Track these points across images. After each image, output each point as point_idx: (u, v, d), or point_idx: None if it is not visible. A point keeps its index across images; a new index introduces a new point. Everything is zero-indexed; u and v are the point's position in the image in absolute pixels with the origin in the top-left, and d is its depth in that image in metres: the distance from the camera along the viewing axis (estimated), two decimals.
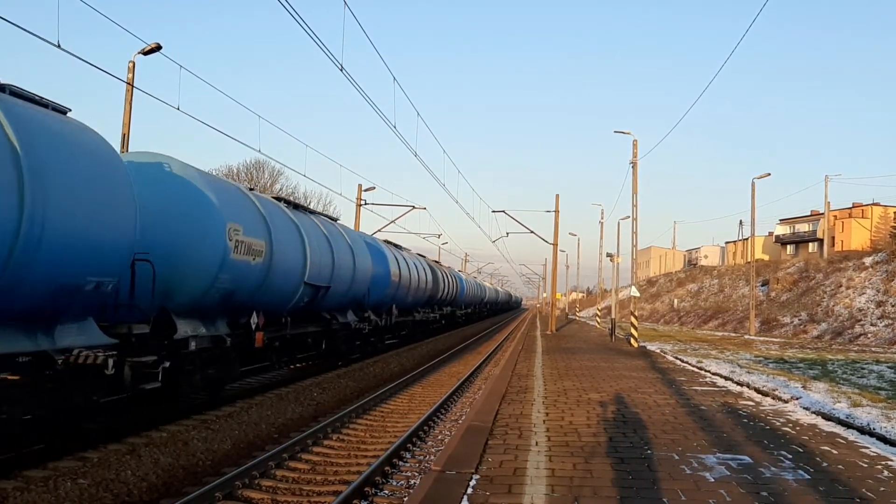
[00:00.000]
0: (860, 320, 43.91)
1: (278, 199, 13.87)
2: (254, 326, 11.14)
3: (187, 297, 9.40)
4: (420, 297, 27.39)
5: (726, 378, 15.01)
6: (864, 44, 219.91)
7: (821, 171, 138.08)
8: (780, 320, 51.58)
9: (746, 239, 69.38)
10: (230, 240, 9.82)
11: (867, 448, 7.78)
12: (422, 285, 27.13)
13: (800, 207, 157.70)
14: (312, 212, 15.85)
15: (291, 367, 15.79)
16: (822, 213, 65.99)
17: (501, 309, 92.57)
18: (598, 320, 51.38)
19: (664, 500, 5.51)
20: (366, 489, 7.52)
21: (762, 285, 61.05)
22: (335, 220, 17.68)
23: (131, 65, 18.77)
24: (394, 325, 22.96)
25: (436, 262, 35.90)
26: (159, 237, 8.95)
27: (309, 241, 13.32)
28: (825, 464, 6.89)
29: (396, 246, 25.92)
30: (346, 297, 16.49)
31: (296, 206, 14.63)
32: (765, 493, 5.72)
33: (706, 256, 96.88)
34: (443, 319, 36.00)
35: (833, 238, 67.25)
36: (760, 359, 23.49)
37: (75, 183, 7.01)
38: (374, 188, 34.44)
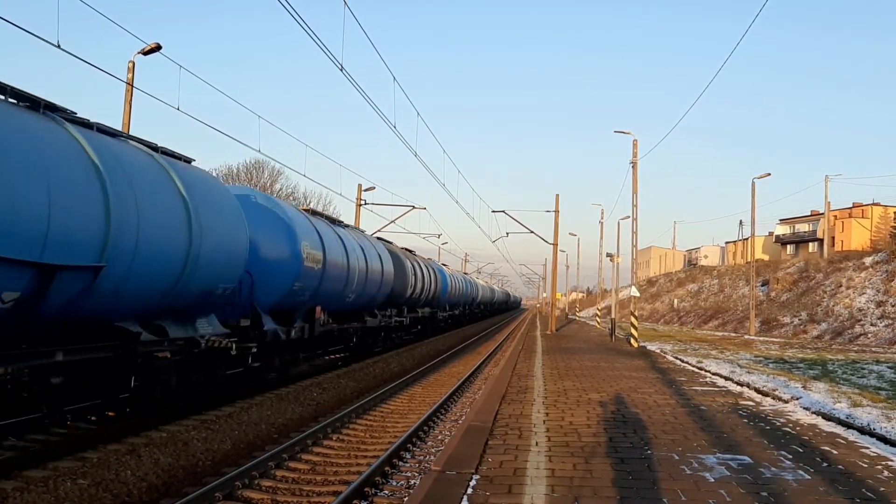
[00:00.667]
0: (860, 320, 43.91)
1: None
2: None
3: None
4: (371, 294, 19.37)
5: (726, 378, 15.00)
6: (865, 44, 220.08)
7: (821, 171, 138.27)
8: (780, 320, 51.58)
9: (746, 239, 69.39)
10: None
11: (867, 448, 7.78)
12: (374, 277, 19.14)
13: (800, 207, 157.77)
14: (84, 123, 8.18)
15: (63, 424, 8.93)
16: (822, 213, 65.98)
17: (498, 309, 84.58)
18: (598, 320, 51.37)
19: (664, 500, 5.50)
20: (366, 489, 7.52)
21: (762, 285, 61.06)
22: (187, 160, 10.39)
23: (131, 65, 18.78)
24: (319, 337, 15.30)
25: (407, 249, 28.66)
26: None
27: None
28: (825, 464, 6.89)
29: (333, 221, 17.77)
30: (177, 290, 9.10)
31: (16, 95, 7.28)
32: (765, 494, 5.71)
33: (706, 256, 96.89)
34: (417, 324, 28.88)
35: (833, 238, 67.24)
36: (760, 359, 23.50)
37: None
38: (374, 188, 34.40)
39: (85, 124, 8.26)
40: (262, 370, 12.55)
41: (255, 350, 11.61)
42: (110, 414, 9.75)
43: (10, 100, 7.34)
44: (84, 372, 8.18)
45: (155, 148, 9.80)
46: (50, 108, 7.79)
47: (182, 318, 9.82)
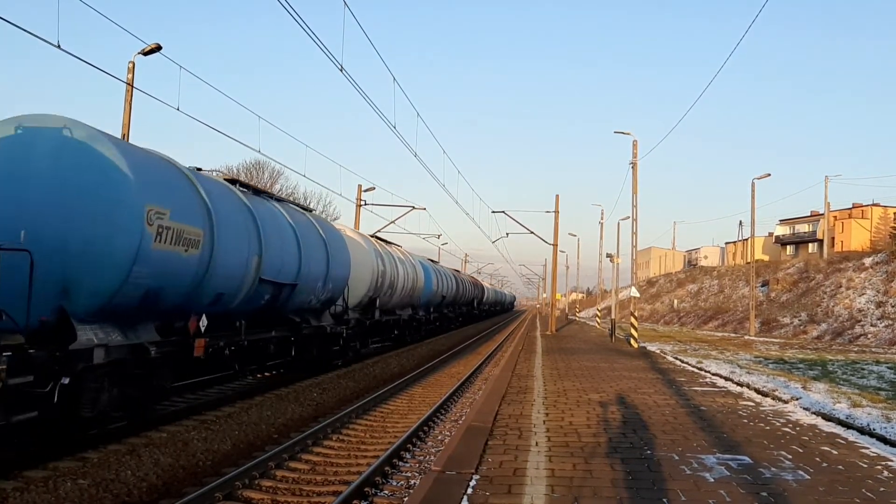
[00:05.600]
0: (860, 321, 43.88)
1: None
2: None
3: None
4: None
5: (726, 378, 15.01)
6: (864, 44, 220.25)
7: (821, 172, 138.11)
8: (780, 321, 51.55)
9: (746, 239, 69.40)
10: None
11: (867, 448, 7.78)
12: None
13: (800, 208, 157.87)
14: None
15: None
16: (822, 214, 65.98)
17: (470, 314, 50.39)
18: (598, 321, 51.36)
19: (664, 500, 5.51)
20: (365, 489, 7.52)
21: (762, 286, 61.04)
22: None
23: (131, 65, 18.78)
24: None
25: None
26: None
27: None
28: (825, 464, 6.90)
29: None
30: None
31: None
32: (764, 494, 5.72)
33: (706, 257, 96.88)
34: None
35: (833, 239, 67.23)
36: (760, 359, 23.49)
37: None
38: (374, 188, 34.47)
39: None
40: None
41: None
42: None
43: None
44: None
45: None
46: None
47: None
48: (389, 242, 25.65)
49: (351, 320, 17.56)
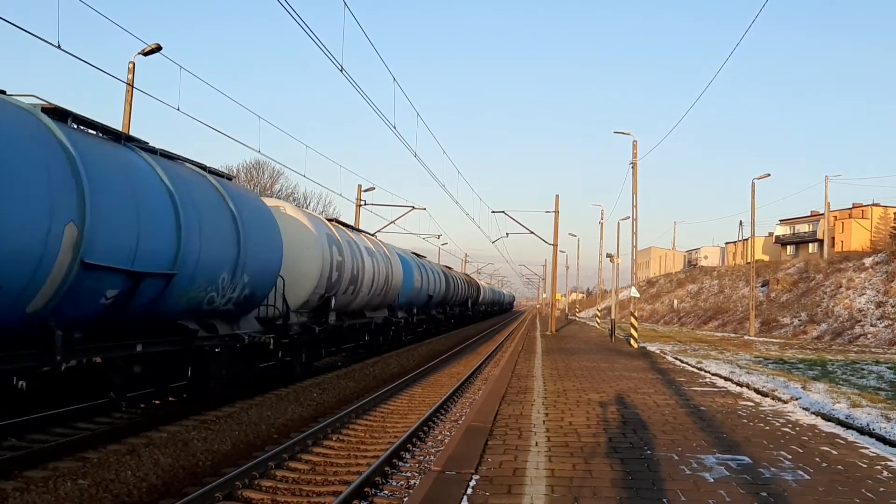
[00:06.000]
0: (860, 321, 43.89)
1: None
2: None
3: None
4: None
5: (726, 379, 15.01)
6: (865, 44, 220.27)
7: (820, 172, 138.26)
8: (780, 321, 51.55)
9: (746, 239, 69.40)
10: None
11: (867, 448, 7.79)
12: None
13: (800, 208, 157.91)
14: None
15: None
16: (822, 214, 65.99)
17: (463, 315, 46.94)
18: (598, 321, 51.37)
19: (664, 500, 5.51)
20: (365, 489, 7.53)
21: (762, 286, 61.04)
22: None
23: (131, 65, 18.79)
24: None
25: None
26: None
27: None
28: (825, 464, 6.90)
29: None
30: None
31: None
32: (764, 494, 5.72)
33: (706, 257, 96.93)
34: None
35: (833, 239, 67.25)
36: (760, 359, 23.49)
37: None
38: (374, 188, 34.45)
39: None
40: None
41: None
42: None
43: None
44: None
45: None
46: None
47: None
48: (357, 229, 21.18)
49: (293, 326, 13.58)
